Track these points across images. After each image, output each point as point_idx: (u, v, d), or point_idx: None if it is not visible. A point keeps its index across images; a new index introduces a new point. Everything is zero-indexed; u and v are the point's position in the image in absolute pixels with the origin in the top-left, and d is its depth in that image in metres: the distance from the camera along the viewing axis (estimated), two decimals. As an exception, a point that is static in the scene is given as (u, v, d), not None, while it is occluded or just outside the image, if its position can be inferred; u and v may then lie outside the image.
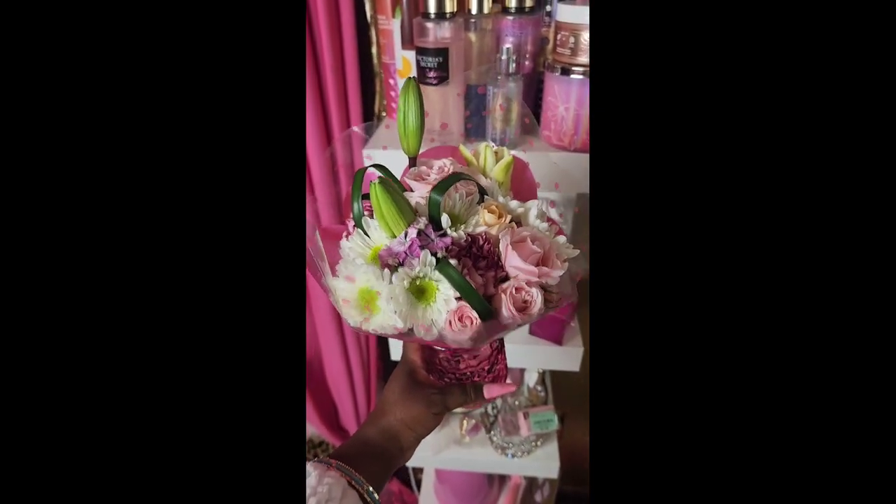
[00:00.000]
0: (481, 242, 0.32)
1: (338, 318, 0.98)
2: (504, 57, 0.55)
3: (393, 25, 0.61)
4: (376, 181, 0.30)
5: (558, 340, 0.77)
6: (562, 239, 0.35)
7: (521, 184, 0.42)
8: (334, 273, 0.33)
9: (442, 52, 0.55)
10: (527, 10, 0.59)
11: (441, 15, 0.54)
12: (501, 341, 0.44)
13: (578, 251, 0.35)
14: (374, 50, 0.72)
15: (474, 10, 0.57)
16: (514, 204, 0.36)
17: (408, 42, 0.61)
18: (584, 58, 0.54)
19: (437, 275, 0.31)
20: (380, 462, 0.38)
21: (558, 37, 0.56)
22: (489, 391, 0.41)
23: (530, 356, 0.80)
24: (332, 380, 1.08)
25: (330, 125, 0.78)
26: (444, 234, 0.31)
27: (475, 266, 0.32)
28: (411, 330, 0.31)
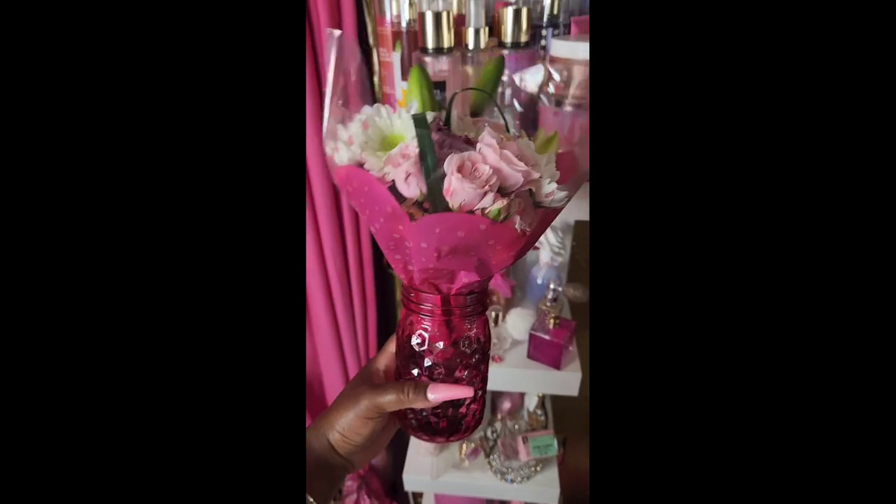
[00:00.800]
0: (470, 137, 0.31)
1: (338, 340, 0.98)
2: (500, 90, 0.57)
3: (393, 58, 0.64)
4: (417, 66, 0.32)
5: (556, 365, 0.77)
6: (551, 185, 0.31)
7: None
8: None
9: (440, 85, 0.57)
10: (522, 44, 0.61)
11: (439, 49, 0.56)
12: (483, 354, 0.37)
13: (564, 194, 0.31)
14: (375, 80, 0.74)
15: (471, 45, 0.60)
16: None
17: (408, 75, 0.63)
18: (577, 90, 0.56)
19: (404, 127, 0.30)
20: (324, 478, 0.34)
21: (553, 68, 0.58)
22: (434, 390, 0.34)
23: (528, 380, 0.80)
24: (331, 400, 1.08)
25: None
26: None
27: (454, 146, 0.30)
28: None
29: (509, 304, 0.86)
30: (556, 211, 0.33)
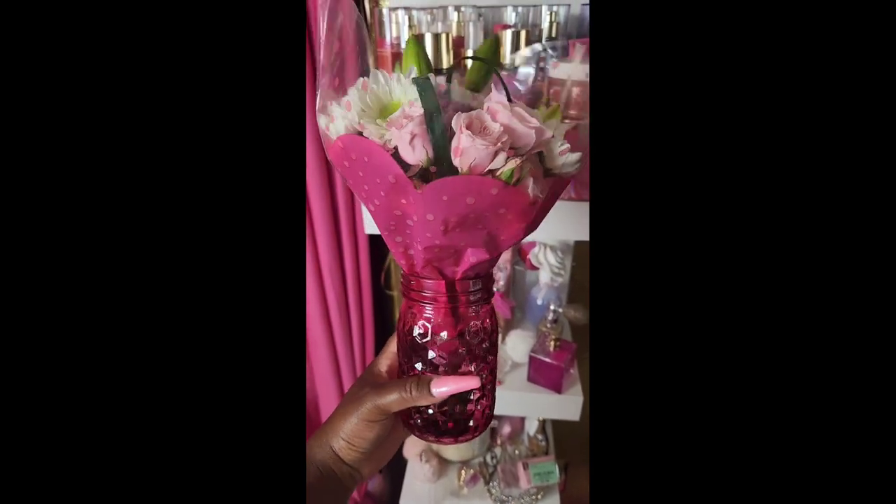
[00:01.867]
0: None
1: (335, 362, 0.97)
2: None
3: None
4: (412, 38, 0.32)
5: (557, 388, 0.76)
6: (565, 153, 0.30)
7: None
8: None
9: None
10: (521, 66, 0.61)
11: (437, 70, 0.57)
12: (491, 344, 0.35)
13: (577, 157, 0.30)
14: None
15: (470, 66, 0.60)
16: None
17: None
18: (574, 110, 0.56)
19: (403, 92, 0.29)
20: (331, 491, 0.32)
21: (550, 91, 0.58)
22: (437, 384, 0.31)
23: (529, 404, 0.78)
24: (328, 425, 1.06)
25: (333, 182, 0.81)
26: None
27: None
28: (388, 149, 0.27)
29: (509, 326, 0.85)
30: (566, 181, 0.32)
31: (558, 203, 0.62)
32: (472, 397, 0.34)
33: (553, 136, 0.29)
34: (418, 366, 0.34)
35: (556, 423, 1.02)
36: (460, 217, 0.28)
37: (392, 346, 0.37)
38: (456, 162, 0.27)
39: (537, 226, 0.32)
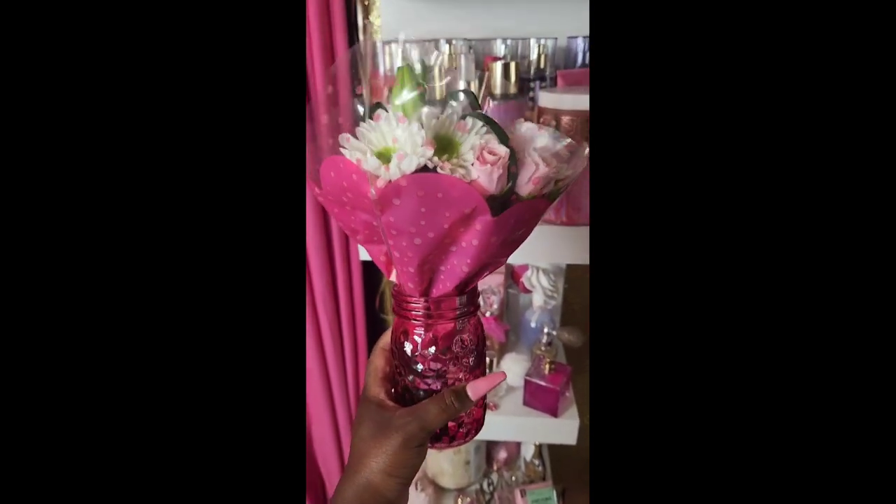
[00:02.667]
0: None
1: (328, 387, 0.95)
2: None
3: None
4: (402, 66, 0.32)
5: (553, 412, 0.76)
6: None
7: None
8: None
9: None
10: (511, 96, 0.63)
11: (431, 101, 0.58)
12: (479, 356, 0.37)
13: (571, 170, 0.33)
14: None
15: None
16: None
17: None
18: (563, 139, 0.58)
19: (459, 125, 0.30)
20: None
21: (541, 120, 0.60)
22: (474, 389, 0.33)
23: (525, 429, 0.77)
24: (320, 452, 1.04)
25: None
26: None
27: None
28: (430, 169, 0.28)
29: (503, 349, 0.85)
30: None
31: (550, 227, 0.63)
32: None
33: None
34: (410, 378, 0.35)
35: (552, 448, 1.01)
36: (514, 236, 0.32)
37: (374, 366, 0.38)
38: (528, 189, 0.31)
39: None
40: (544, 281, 0.81)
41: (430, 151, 0.28)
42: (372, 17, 0.81)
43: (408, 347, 0.35)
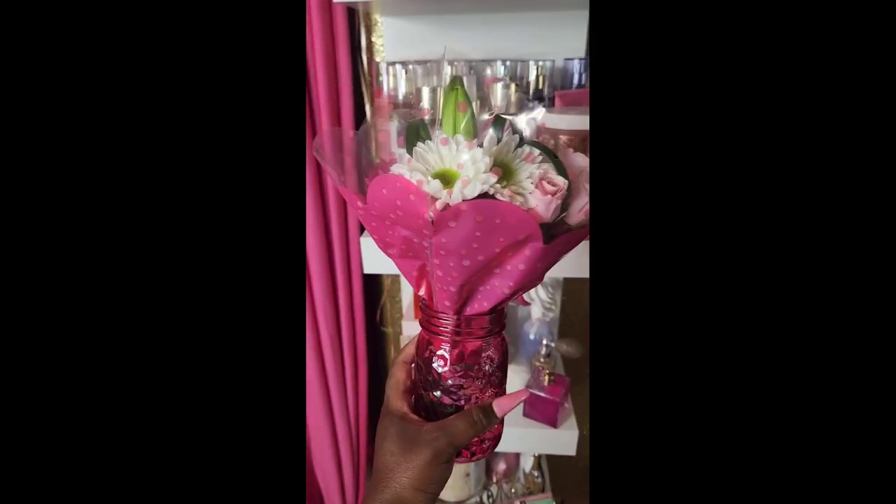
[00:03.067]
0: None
1: (327, 399, 0.96)
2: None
3: (391, 128, 0.68)
4: (455, 88, 0.32)
5: (553, 423, 0.77)
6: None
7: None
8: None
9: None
10: (511, 115, 0.65)
11: (433, 121, 0.60)
12: (503, 372, 0.38)
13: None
14: (372, 146, 0.78)
15: (464, 115, 0.64)
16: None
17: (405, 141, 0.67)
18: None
19: (524, 154, 0.31)
20: None
21: (540, 139, 0.62)
22: (500, 406, 0.35)
23: (524, 439, 0.78)
24: (319, 466, 1.04)
25: (328, 214, 0.83)
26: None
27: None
28: (490, 195, 0.29)
29: (503, 361, 0.86)
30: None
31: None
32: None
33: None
34: (436, 393, 0.36)
35: (551, 459, 1.02)
36: (556, 260, 0.34)
37: (395, 379, 0.38)
38: (579, 218, 0.32)
39: None
40: (542, 294, 0.82)
41: (493, 178, 0.29)
42: (374, 38, 0.83)
43: (435, 363, 0.36)
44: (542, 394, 0.76)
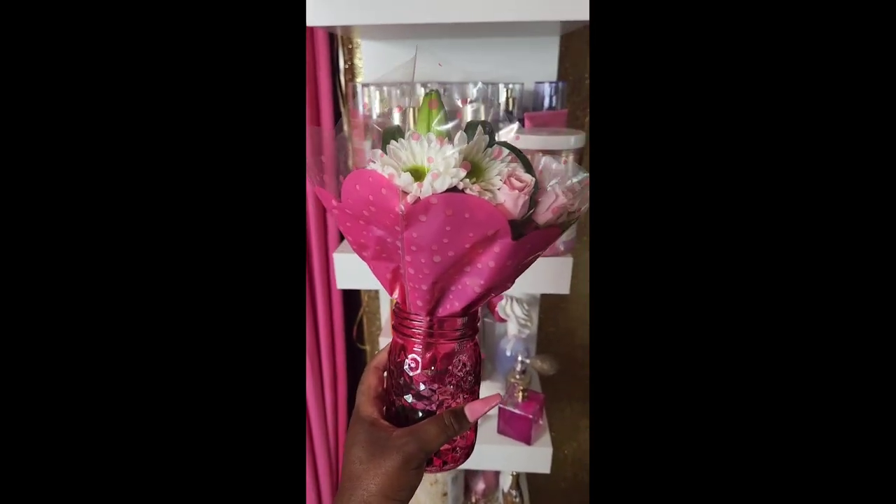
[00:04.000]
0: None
1: (307, 421, 0.95)
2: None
3: (365, 146, 0.69)
4: (429, 92, 0.33)
5: (527, 439, 0.77)
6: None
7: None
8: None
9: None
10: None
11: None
12: (475, 377, 0.38)
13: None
14: (350, 163, 0.80)
15: (436, 135, 0.66)
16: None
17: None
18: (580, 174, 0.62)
19: (491, 151, 0.32)
20: None
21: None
22: (472, 411, 0.34)
23: (497, 456, 0.78)
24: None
25: (308, 230, 0.84)
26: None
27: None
28: (459, 190, 0.29)
29: (479, 378, 0.86)
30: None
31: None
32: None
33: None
34: (408, 398, 0.36)
35: (531, 479, 1.01)
36: (529, 260, 0.34)
37: (367, 384, 0.38)
38: (546, 217, 0.32)
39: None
40: (518, 311, 0.83)
41: (463, 173, 0.29)
42: (356, 60, 0.86)
43: (407, 367, 0.35)
44: (516, 410, 0.76)
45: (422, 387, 0.35)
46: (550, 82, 0.70)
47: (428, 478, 0.88)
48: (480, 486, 0.97)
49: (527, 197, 0.31)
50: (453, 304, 0.34)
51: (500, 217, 0.29)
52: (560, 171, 0.34)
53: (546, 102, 0.70)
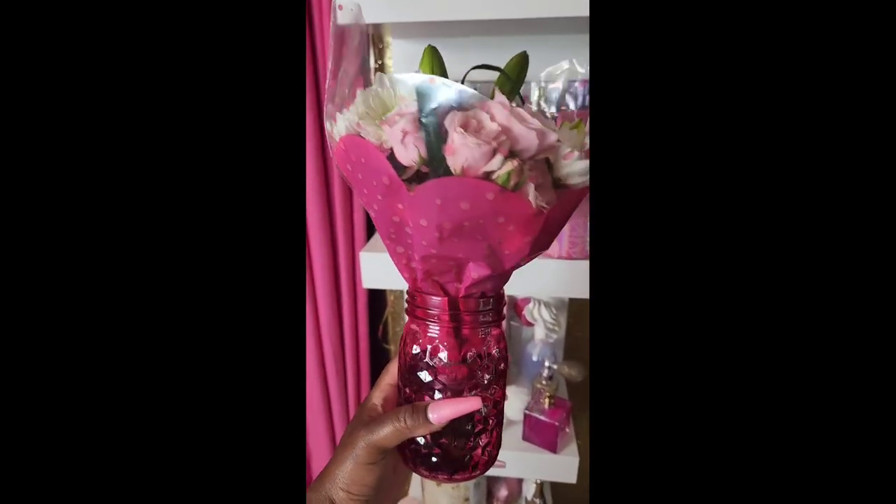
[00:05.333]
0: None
1: (328, 414, 0.96)
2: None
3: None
4: (430, 47, 0.30)
5: (552, 447, 0.75)
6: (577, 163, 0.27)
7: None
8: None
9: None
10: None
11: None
12: (497, 374, 0.33)
13: (585, 164, 0.27)
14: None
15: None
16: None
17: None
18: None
19: (408, 92, 0.27)
20: None
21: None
22: (437, 411, 0.29)
23: (523, 464, 0.76)
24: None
25: (335, 228, 0.84)
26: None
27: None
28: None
29: (504, 382, 0.85)
30: (579, 193, 0.29)
31: (552, 261, 0.65)
32: (470, 428, 0.32)
33: (559, 142, 0.26)
34: (415, 388, 0.32)
35: (555, 487, 0.99)
36: (455, 224, 0.27)
37: (386, 379, 0.35)
38: (449, 162, 0.25)
39: (548, 243, 0.30)
40: (546, 314, 0.81)
41: (350, 112, 0.28)
42: (386, 59, 0.85)
43: (416, 352, 0.32)
44: (542, 417, 0.74)
45: (430, 377, 0.31)
46: (583, 81, 0.68)
47: (450, 482, 0.87)
48: (503, 492, 0.96)
49: (409, 134, 0.26)
50: (417, 274, 0.31)
51: (383, 161, 0.26)
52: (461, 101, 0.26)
53: (579, 101, 0.68)
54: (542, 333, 0.83)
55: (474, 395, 0.31)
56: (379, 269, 0.69)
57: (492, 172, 0.25)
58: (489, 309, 0.31)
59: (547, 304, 0.83)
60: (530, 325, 0.85)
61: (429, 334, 0.32)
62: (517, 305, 0.88)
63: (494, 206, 0.26)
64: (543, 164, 0.27)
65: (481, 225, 0.27)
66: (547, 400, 0.75)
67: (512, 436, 0.78)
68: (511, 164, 0.25)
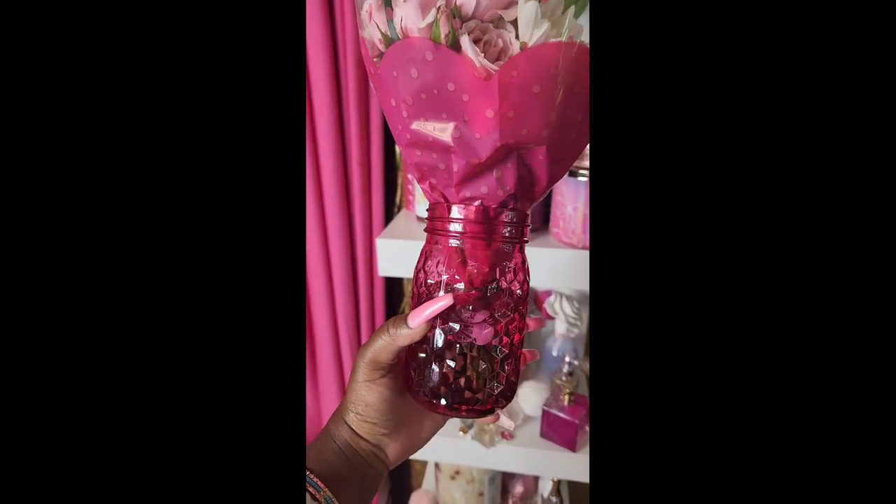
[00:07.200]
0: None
1: (338, 356, 0.95)
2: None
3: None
4: None
5: (571, 446, 0.72)
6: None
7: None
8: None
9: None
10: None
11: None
12: (519, 298, 0.31)
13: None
14: (397, 147, 0.77)
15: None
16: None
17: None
18: (589, 162, 0.57)
19: None
20: (357, 473, 0.31)
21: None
22: (415, 314, 0.29)
23: (541, 462, 0.74)
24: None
25: (353, 216, 0.83)
26: None
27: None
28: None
29: (522, 376, 0.82)
30: (538, 52, 0.25)
31: (574, 252, 0.62)
32: (497, 355, 0.30)
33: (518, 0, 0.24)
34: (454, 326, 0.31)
35: (572, 485, 0.96)
36: (414, 97, 0.26)
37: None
38: (392, 27, 0.25)
39: (522, 123, 0.26)
40: (567, 308, 0.78)
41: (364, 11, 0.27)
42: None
43: (431, 270, 0.30)
44: (561, 414, 0.72)
45: (461, 309, 0.29)
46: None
47: (465, 476, 0.85)
48: (519, 489, 0.94)
49: (369, 13, 0.26)
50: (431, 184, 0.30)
51: (364, 49, 0.27)
52: None
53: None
54: (562, 328, 0.80)
55: (495, 323, 0.30)
56: (396, 257, 0.67)
57: (428, 30, 0.24)
58: (514, 221, 0.29)
59: (569, 298, 0.80)
60: (551, 318, 0.82)
61: (447, 252, 0.30)
62: (538, 298, 0.85)
63: (438, 70, 0.24)
64: (501, 25, 0.25)
65: (437, 97, 0.25)
66: (567, 397, 0.72)
67: (530, 432, 0.76)
68: (433, 14, 0.23)
